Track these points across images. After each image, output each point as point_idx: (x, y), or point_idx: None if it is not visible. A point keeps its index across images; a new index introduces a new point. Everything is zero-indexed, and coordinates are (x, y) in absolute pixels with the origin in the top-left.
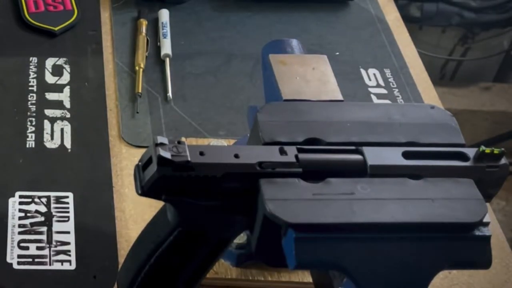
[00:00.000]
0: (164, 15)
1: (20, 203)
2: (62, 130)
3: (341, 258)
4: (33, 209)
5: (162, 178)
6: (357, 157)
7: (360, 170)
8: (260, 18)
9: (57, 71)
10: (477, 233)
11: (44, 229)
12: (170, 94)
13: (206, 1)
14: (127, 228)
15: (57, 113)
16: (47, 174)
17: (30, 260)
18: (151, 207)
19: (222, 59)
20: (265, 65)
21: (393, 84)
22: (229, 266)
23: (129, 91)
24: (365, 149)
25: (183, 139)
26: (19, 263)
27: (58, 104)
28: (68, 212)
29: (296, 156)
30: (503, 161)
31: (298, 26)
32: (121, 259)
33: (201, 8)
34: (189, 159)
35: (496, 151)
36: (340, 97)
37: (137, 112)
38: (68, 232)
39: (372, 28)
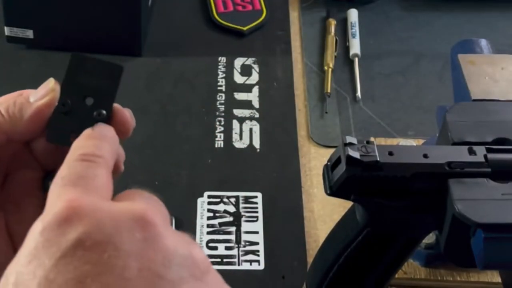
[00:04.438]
0: (353, 14)
1: (209, 203)
2: (250, 130)
3: None
4: (222, 209)
5: (351, 178)
6: None
7: None
8: (449, 18)
9: (245, 71)
10: None
11: (233, 229)
12: (359, 94)
13: (395, 0)
14: (316, 228)
15: (246, 113)
16: (236, 174)
17: (219, 260)
18: (340, 207)
19: (411, 59)
20: (454, 65)
21: None
22: (417, 266)
23: (318, 91)
24: None
25: (372, 139)
26: None
27: (247, 104)
28: (256, 212)
29: (485, 156)
30: None
31: (487, 26)
32: (310, 259)
33: (390, 7)
34: (378, 159)
35: None
36: None
37: (326, 112)
38: (257, 232)
39: None
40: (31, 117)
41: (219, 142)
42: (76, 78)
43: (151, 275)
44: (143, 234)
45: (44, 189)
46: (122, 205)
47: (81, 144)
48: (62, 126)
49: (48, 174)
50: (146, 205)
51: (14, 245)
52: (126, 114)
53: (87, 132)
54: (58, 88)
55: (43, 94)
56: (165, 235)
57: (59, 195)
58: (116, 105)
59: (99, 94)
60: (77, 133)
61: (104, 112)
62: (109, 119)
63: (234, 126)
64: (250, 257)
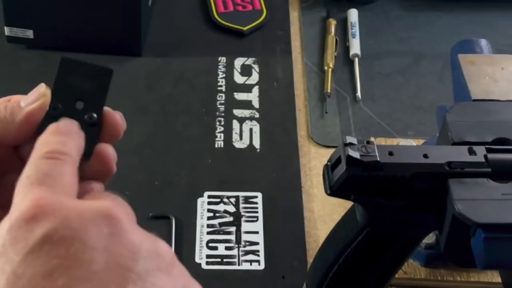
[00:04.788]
0: (353, 15)
1: (209, 203)
2: (251, 130)
3: None
4: (222, 209)
5: (351, 178)
6: None
7: None
8: (449, 18)
9: (246, 71)
10: None
11: (233, 229)
12: (359, 94)
13: (395, 1)
14: (316, 228)
15: (246, 113)
16: (236, 174)
17: (219, 260)
18: (340, 207)
19: (411, 59)
20: (454, 65)
21: None
22: (417, 266)
23: (318, 91)
24: None
25: (372, 139)
26: (207, 263)
27: (247, 104)
28: (257, 212)
29: (485, 156)
30: None
31: (487, 26)
32: (310, 259)
33: (390, 8)
34: (378, 159)
35: None
36: None
37: (326, 112)
38: (257, 232)
39: None
40: (22, 121)
41: (219, 142)
42: (66, 82)
43: (118, 267)
44: (109, 230)
45: None
46: (89, 203)
47: (46, 140)
48: None
49: None
50: (112, 202)
51: None
52: (117, 117)
53: (52, 127)
54: (49, 93)
55: (34, 99)
56: (131, 231)
57: (25, 194)
58: (106, 108)
59: (90, 97)
60: None
61: (95, 115)
62: (100, 122)
63: (234, 126)
64: (250, 257)
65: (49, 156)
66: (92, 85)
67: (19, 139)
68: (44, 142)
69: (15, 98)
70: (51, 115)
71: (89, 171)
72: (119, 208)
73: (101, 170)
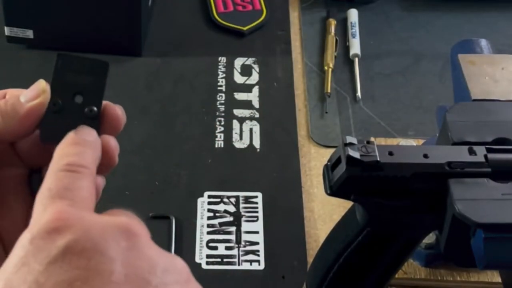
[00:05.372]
0: (353, 15)
1: (209, 203)
2: (251, 130)
3: None
4: (222, 209)
5: (351, 178)
6: None
7: None
8: (449, 18)
9: (246, 71)
10: None
11: (233, 229)
12: (359, 94)
13: (395, 1)
14: (316, 228)
15: (246, 113)
16: (236, 174)
17: (219, 260)
18: (339, 207)
19: (411, 59)
20: (454, 65)
21: None
22: (418, 266)
23: (318, 91)
24: None
25: (372, 139)
26: (207, 263)
27: (247, 104)
28: (257, 212)
29: (485, 156)
30: None
31: (487, 26)
32: (310, 259)
33: (390, 8)
34: (378, 159)
35: None
36: None
37: (326, 112)
38: (257, 232)
39: None
40: (23, 117)
41: (219, 142)
42: (64, 77)
43: (137, 279)
44: (128, 244)
45: (31, 187)
46: (108, 218)
47: (65, 151)
48: (54, 125)
49: (34, 172)
50: (129, 219)
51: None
52: (117, 110)
53: (70, 137)
54: (49, 88)
55: (35, 95)
56: (149, 246)
57: (46, 207)
58: (106, 102)
59: (88, 91)
60: (70, 130)
61: (95, 108)
62: (99, 115)
63: (234, 126)
64: (250, 257)
65: (69, 168)
66: (90, 78)
67: (19, 134)
68: (63, 154)
69: (11, 92)
70: (52, 110)
71: None
72: (137, 224)
73: (103, 161)
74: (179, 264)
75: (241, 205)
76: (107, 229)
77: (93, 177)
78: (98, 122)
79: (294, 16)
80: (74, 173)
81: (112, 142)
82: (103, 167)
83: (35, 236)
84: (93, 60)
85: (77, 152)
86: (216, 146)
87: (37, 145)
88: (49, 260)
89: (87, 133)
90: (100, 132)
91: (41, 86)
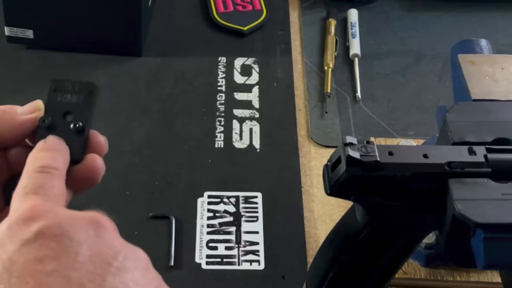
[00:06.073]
0: (353, 15)
1: (209, 203)
2: (251, 130)
3: None
4: (222, 209)
5: (351, 178)
6: None
7: None
8: (449, 18)
9: (246, 71)
10: None
11: (233, 229)
12: (359, 94)
13: (395, 0)
14: (316, 228)
15: (246, 113)
16: (236, 174)
17: (219, 260)
18: (339, 207)
19: (411, 59)
20: (454, 65)
21: None
22: (418, 266)
23: (318, 91)
24: None
25: (372, 139)
26: (207, 263)
27: (247, 104)
28: (257, 212)
29: (485, 156)
30: None
31: (487, 26)
32: (310, 259)
33: (390, 7)
34: (378, 159)
35: None
36: None
37: (326, 112)
38: (257, 232)
39: None
40: (17, 127)
41: (219, 142)
42: (56, 98)
43: (99, 261)
44: (95, 232)
45: (4, 191)
46: (78, 212)
47: (38, 156)
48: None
49: (10, 178)
50: (99, 213)
51: None
52: (101, 137)
53: (40, 144)
54: (43, 107)
55: (30, 110)
56: (114, 236)
57: (22, 201)
58: (94, 131)
59: (77, 109)
60: None
61: (80, 124)
62: (85, 130)
63: (234, 126)
64: (250, 257)
65: (42, 170)
66: (79, 98)
67: (11, 141)
68: (37, 157)
69: (10, 106)
70: (44, 126)
71: (76, 176)
72: (105, 219)
73: (88, 176)
74: (140, 253)
75: (241, 205)
76: (77, 220)
77: (63, 178)
78: (85, 137)
79: (294, 16)
80: (47, 174)
81: (99, 160)
82: (86, 182)
83: (12, 223)
84: (83, 83)
85: (49, 156)
86: (216, 146)
87: (25, 153)
88: (22, 242)
89: (56, 142)
90: (87, 146)
91: (37, 104)
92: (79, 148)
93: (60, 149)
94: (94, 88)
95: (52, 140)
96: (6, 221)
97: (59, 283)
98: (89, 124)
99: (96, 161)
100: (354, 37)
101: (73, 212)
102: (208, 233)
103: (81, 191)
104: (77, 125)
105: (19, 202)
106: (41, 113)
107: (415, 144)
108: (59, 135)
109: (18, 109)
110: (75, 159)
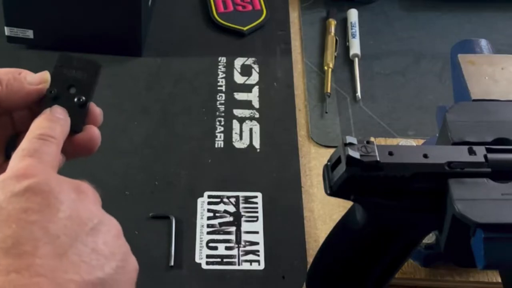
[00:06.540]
0: (353, 15)
1: (209, 203)
2: (251, 130)
3: None
4: (222, 209)
5: (351, 178)
6: None
7: None
8: (449, 18)
9: (246, 71)
10: None
11: (233, 229)
12: (359, 94)
13: (395, 0)
14: (316, 228)
15: (246, 113)
16: (236, 174)
17: (219, 260)
18: (339, 207)
19: (411, 59)
20: (454, 65)
21: None
22: (417, 266)
23: (318, 91)
24: None
25: (372, 139)
26: (207, 263)
27: (247, 104)
28: (257, 212)
29: (485, 156)
30: None
31: (487, 26)
32: (310, 259)
33: (390, 7)
34: (378, 159)
35: None
36: None
37: (326, 112)
38: (257, 232)
39: None
40: (24, 95)
41: (219, 142)
42: (62, 72)
43: (76, 220)
44: (77, 196)
45: (6, 148)
46: (67, 178)
47: (40, 124)
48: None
49: (13, 136)
50: (86, 183)
51: None
52: (97, 109)
53: (46, 113)
54: (50, 79)
55: (38, 81)
56: (93, 204)
57: (19, 161)
58: (91, 102)
59: (80, 84)
60: None
61: (83, 97)
62: (88, 104)
63: (234, 126)
64: (250, 257)
65: (40, 137)
66: (84, 75)
67: (18, 107)
68: (38, 126)
69: (24, 72)
70: (50, 97)
71: (76, 144)
72: (90, 188)
73: (86, 146)
74: (114, 222)
75: (241, 205)
76: (64, 183)
77: (59, 147)
78: (86, 110)
79: (294, 16)
80: (44, 141)
81: (96, 131)
82: (84, 150)
83: (6, 178)
84: (89, 60)
85: (50, 126)
86: (216, 146)
87: (29, 114)
88: (11, 193)
89: (59, 112)
90: (87, 119)
91: (45, 76)
92: (80, 121)
93: (62, 119)
94: (99, 66)
95: (56, 110)
96: (2, 176)
97: (38, 232)
98: (90, 99)
99: (94, 132)
100: (354, 37)
101: (61, 177)
102: (208, 233)
103: (79, 157)
104: (81, 99)
105: (16, 162)
106: (47, 84)
107: (415, 144)
108: (63, 106)
109: (28, 76)
110: (76, 130)
